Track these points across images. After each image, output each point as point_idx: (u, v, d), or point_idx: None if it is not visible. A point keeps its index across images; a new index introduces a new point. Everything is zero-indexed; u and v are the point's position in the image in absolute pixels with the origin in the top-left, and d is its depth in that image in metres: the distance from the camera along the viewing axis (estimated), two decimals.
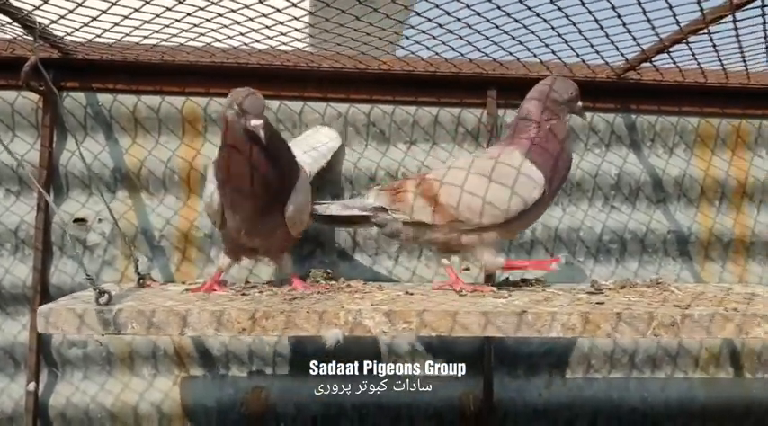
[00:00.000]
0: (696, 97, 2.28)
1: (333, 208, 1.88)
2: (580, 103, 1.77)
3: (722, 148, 2.34)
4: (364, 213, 1.83)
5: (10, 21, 1.65)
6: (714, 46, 1.82)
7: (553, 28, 1.72)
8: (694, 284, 2.17)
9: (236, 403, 2.10)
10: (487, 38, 1.80)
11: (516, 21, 1.67)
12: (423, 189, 1.75)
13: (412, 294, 1.71)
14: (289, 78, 2.13)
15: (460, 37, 1.79)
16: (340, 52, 1.98)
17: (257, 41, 1.86)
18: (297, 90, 2.15)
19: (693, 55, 1.91)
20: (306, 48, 2.09)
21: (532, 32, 1.76)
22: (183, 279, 2.08)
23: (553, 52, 1.91)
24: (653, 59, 1.98)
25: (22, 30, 1.74)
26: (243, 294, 1.69)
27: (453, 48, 1.89)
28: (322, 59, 2.08)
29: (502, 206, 1.68)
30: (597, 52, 1.93)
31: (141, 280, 1.85)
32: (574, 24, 1.69)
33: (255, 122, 1.52)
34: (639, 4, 1.55)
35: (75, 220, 2.07)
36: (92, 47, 1.95)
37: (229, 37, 1.81)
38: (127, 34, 1.79)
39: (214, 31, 1.76)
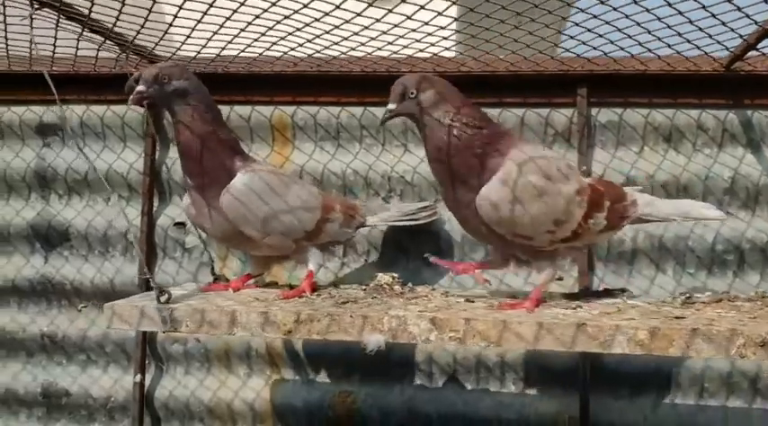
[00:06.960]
0: None
1: None
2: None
3: None
4: None
5: (103, 40, 1.80)
6: None
7: (638, 23, 1.62)
8: None
9: (323, 406, 2.13)
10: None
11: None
12: None
13: (472, 301, 1.64)
14: None
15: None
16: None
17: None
18: None
19: None
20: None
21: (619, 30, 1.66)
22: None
23: (641, 44, 1.76)
24: (758, 47, 1.77)
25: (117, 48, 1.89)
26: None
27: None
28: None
29: None
30: (697, 46, 1.77)
31: (216, 281, 1.92)
32: (659, 19, 1.58)
33: None
34: None
35: (176, 224, 2.20)
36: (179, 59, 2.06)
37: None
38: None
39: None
